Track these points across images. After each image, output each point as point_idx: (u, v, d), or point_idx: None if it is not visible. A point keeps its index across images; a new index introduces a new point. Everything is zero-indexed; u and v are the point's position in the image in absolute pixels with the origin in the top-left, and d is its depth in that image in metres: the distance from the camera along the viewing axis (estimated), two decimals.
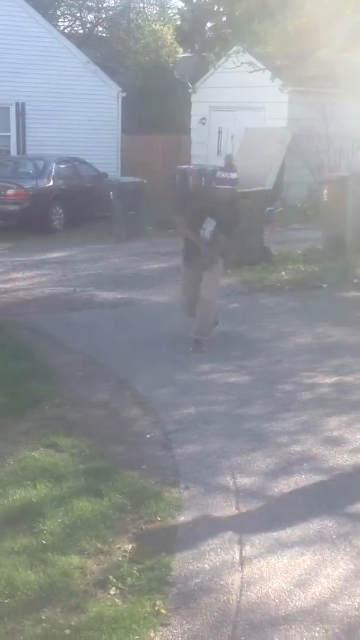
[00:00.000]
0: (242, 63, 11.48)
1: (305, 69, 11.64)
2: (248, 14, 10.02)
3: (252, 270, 9.77)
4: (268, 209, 9.45)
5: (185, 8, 23.30)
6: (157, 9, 29.00)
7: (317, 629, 3.08)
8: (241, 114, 15.68)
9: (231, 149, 16.15)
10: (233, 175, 6.66)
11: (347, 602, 3.23)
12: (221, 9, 19.63)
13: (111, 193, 13.57)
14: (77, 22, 27.51)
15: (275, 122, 14.40)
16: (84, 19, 27.57)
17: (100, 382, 6.06)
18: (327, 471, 4.45)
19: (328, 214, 10.54)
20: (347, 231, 9.64)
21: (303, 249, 10.70)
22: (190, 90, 17.84)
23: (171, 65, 22.28)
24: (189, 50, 22.14)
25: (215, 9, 20.59)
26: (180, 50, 23.31)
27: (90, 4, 26.83)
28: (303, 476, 4.39)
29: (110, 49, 24.39)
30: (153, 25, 25.15)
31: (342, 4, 8.67)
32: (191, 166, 15.82)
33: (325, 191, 10.59)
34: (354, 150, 14.00)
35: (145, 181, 13.94)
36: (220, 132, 16.93)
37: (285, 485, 4.30)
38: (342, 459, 4.59)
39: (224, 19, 19.90)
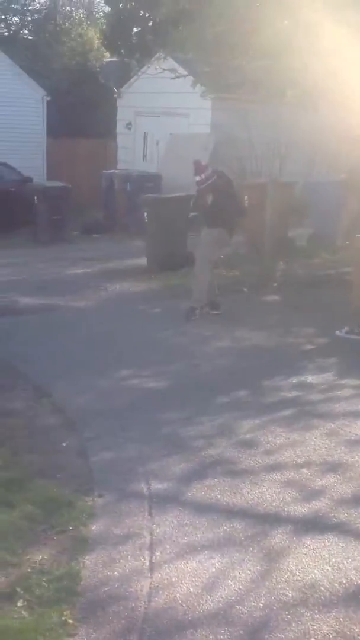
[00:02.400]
0: (164, 69, 11.55)
1: (226, 76, 11.79)
2: (168, 20, 10.08)
3: (176, 275, 9.83)
4: (192, 214, 9.55)
5: (111, 12, 23.31)
6: (84, 12, 28.83)
7: (222, 631, 3.12)
8: (166, 119, 15.77)
9: (156, 155, 16.22)
10: (202, 176, 7.83)
11: (252, 604, 3.29)
12: (147, 14, 19.69)
13: (35, 197, 13.43)
14: (2, 25, 27.08)
15: (199, 128, 14.56)
16: (9, 21, 27.16)
17: (17, 390, 5.98)
18: (239, 473, 4.51)
19: (249, 220, 10.70)
20: (267, 236, 9.82)
21: (225, 254, 10.81)
22: (115, 95, 17.82)
23: (98, 69, 22.19)
24: (116, 55, 22.11)
25: (141, 14, 20.65)
26: (108, 54, 23.24)
27: (15, 7, 26.45)
28: (216, 480, 4.44)
29: (36, 51, 24.08)
30: (80, 29, 24.96)
31: (258, 12, 8.82)
32: (117, 171, 15.80)
33: (246, 197, 10.74)
34: (273, 156, 14.25)
35: (70, 186, 13.86)
36: (145, 137, 16.98)
37: (198, 489, 4.34)
38: (254, 461, 4.67)
39: (150, 24, 19.96)
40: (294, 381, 6.13)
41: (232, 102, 14.08)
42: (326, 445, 4.86)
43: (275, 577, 3.49)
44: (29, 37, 27.17)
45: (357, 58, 8.28)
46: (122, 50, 21.99)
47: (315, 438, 4.98)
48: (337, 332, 7.27)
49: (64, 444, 5.00)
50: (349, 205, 8.22)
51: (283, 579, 3.47)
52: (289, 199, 10.73)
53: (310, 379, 6.18)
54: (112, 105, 18.14)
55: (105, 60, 22.86)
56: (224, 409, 5.57)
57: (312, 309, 8.52)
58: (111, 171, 15.68)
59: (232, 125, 14.03)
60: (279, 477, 4.44)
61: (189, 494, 4.30)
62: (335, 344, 7.28)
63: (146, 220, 10.56)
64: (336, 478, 4.41)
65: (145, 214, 10.61)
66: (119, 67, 20.63)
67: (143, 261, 10.52)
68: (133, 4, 20.89)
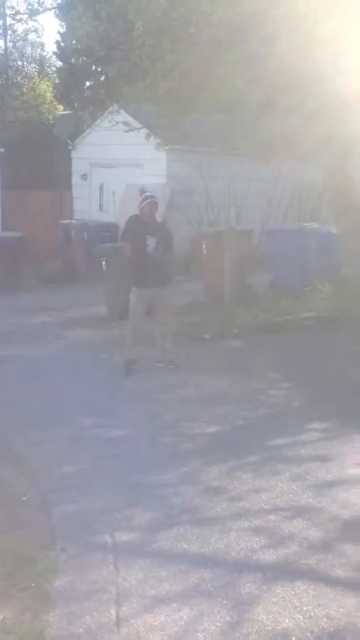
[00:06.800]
0: (117, 122, 11.73)
1: (179, 128, 12.05)
2: (120, 75, 10.27)
3: None
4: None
5: (63, 66, 23.72)
6: (36, 66, 29.25)
7: None
8: (121, 170, 15.94)
9: (112, 205, 16.34)
10: (148, 193, 7.86)
11: None
12: (99, 69, 20.04)
13: None
14: None
15: (155, 178, 14.73)
16: None
17: None
18: (206, 522, 4.43)
19: (208, 267, 10.82)
20: (226, 283, 9.91)
21: (185, 301, 10.87)
22: (70, 147, 18.00)
23: (51, 122, 22.44)
24: (69, 108, 22.44)
25: (93, 69, 21.01)
26: (61, 107, 23.57)
27: None
28: (182, 529, 4.35)
29: None
30: (32, 83, 25.31)
31: (209, 68, 9.04)
32: (73, 221, 15.85)
33: (204, 245, 10.88)
34: (229, 205, 14.52)
35: (25, 236, 13.85)
36: (101, 188, 17.11)
37: (164, 539, 4.25)
38: (220, 509, 4.60)
39: (102, 78, 20.31)
40: (258, 426, 6.10)
41: (186, 153, 14.35)
42: (292, 491, 4.82)
43: (245, 627, 3.40)
44: None
45: (305, 113, 8.53)
46: (75, 104, 22.36)
47: (282, 483, 4.94)
48: None
49: (25, 498, 4.87)
50: None
51: (254, 630, 3.38)
52: (246, 247, 10.89)
53: (274, 423, 6.16)
54: (66, 157, 18.30)
55: (58, 113, 23.16)
56: (188, 456, 5.50)
57: (273, 354, 8.56)
58: (68, 221, 15.73)
59: (187, 175, 14.28)
60: (247, 525, 4.38)
61: (155, 545, 4.20)
62: (298, 389, 7.31)
63: (104, 269, 10.57)
64: (304, 523, 4.36)
65: (103, 263, 10.62)
66: (72, 120, 20.89)
67: (102, 310, 10.49)
68: (85, 59, 21.32)
